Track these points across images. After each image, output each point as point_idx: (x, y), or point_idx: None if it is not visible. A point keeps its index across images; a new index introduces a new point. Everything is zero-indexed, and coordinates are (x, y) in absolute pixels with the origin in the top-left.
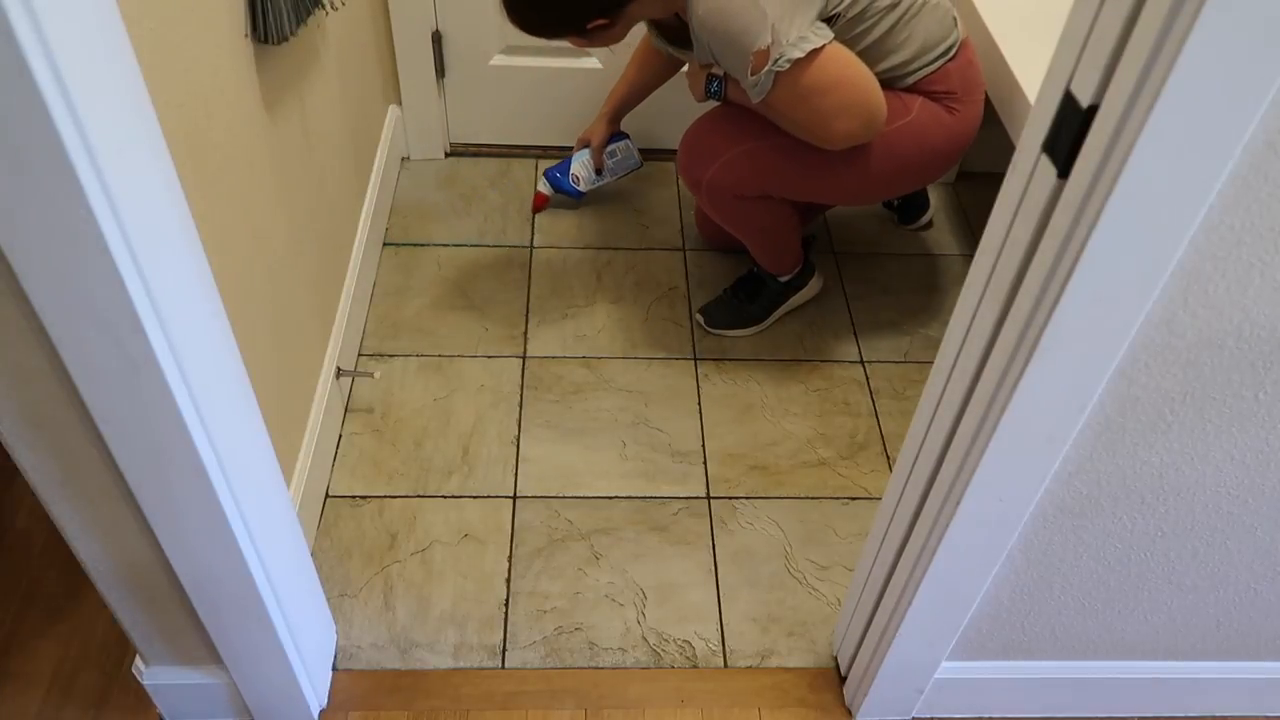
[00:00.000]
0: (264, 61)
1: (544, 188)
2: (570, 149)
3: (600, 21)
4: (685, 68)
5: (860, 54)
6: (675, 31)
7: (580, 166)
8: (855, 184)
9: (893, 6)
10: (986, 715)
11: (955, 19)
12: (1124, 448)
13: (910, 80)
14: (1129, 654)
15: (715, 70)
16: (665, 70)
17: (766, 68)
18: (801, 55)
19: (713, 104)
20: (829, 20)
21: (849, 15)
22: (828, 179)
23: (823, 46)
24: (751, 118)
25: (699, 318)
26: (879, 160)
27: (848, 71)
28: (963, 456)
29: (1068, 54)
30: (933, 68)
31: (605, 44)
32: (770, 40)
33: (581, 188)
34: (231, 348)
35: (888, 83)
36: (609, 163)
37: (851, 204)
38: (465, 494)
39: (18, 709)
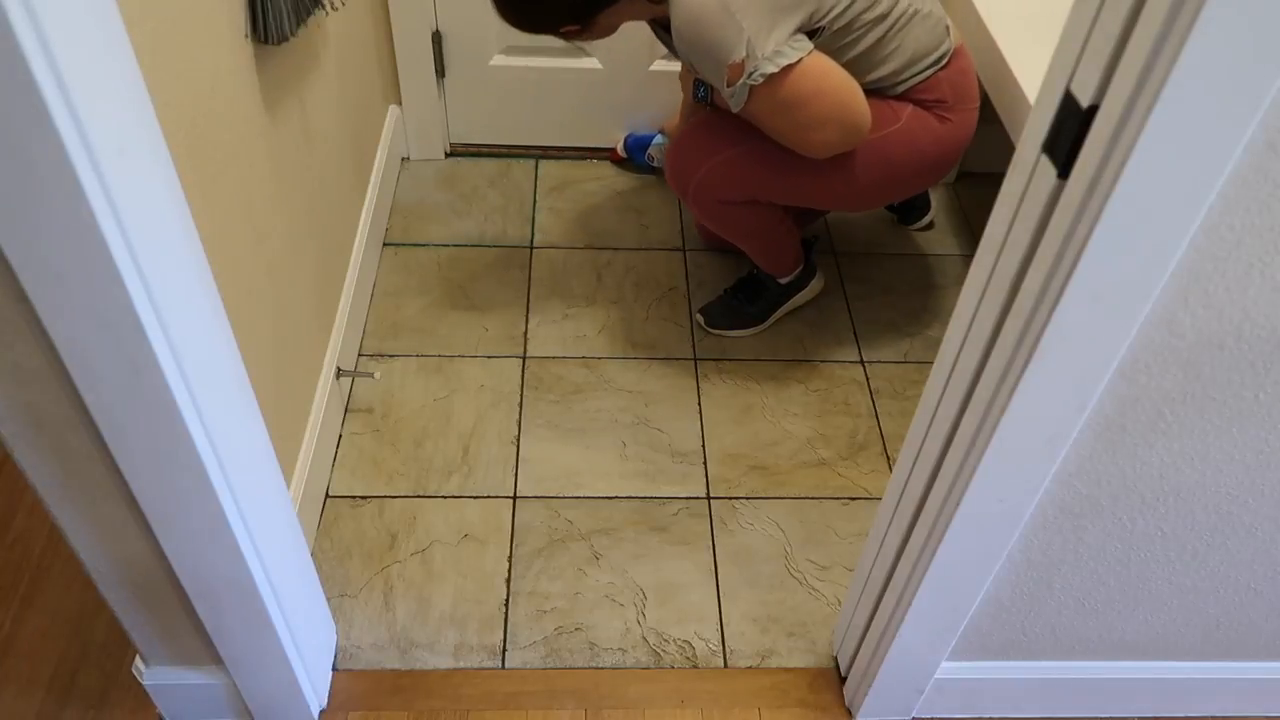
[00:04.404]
0: (264, 61)
1: (621, 149)
2: (571, 149)
3: (572, 27)
4: None
5: (847, 65)
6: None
7: (656, 149)
8: (844, 190)
9: (881, 18)
10: (986, 715)
11: (948, 28)
12: (1124, 448)
13: (900, 89)
14: (1129, 654)
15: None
16: None
17: (741, 80)
18: (776, 70)
19: (681, 115)
20: (814, 32)
21: (835, 27)
22: (815, 184)
23: (799, 60)
24: (736, 124)
25: (699, 318)
26: (867, 167)
27: (825, 84)
28: (963, 456)
29: (1068, 54)
30: (922, 77)
31: (587, 41)
32: (745, 54)
33: (655, 165)
34: (231, 348)
35: (877, 91)
36: None
37: (845, 210)
38: (465, 494)
39: (18, 709)
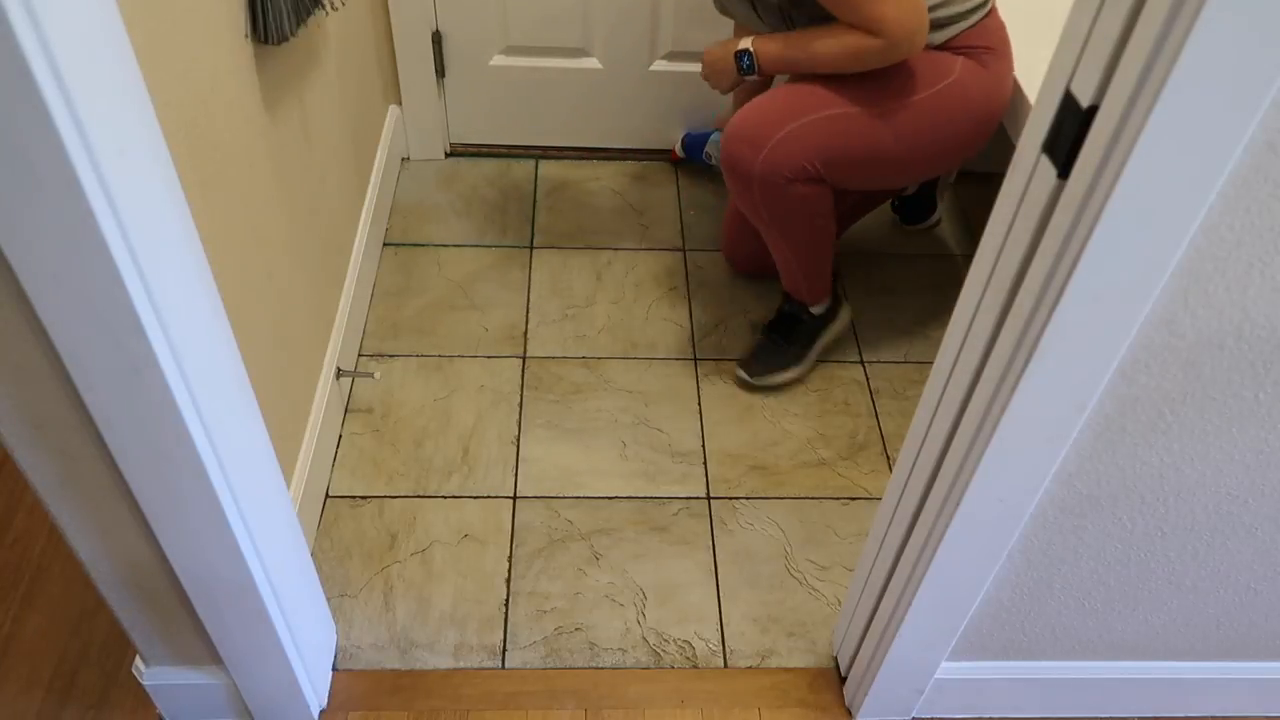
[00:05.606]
0: (264, 61)
1: (679, 149)
2: (571, 149)
3: None
4: (720, 49)
5: None
6: None
7: (714, 147)
8: (907, 152)
9: None
10: (986, 715)
11: None
12: (1124, 448)
13: (949, 31)
14: (1129, 654)
15: (744, 45)
16: None
17: None
18: None
19: (734, 105)
20: None
21: None
22: (880, 146)
23: None
24: (798, 97)
25: (739, 373)
26: (929, 127)
27: None
28: (963, 456)
29: (1068, 54)
30: (970, 21)
31: None
32: None
33: (712, 163)
34: (231, 348)
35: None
36: None
37: (901, 182)
38: (465, 494)
39: (18, 709)
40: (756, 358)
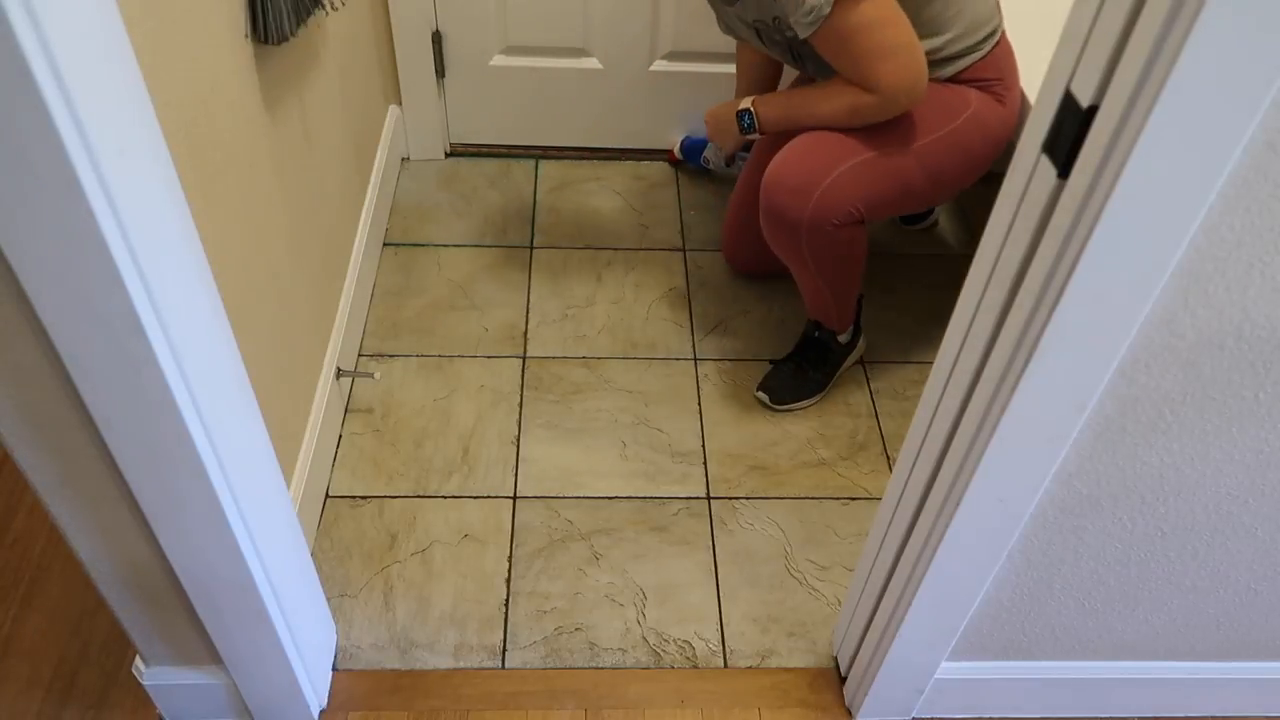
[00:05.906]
0: (264, 61)
1: (678, 151)
2: (571, 149)
3: None
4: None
5: (915, 26)
6: None
7: (713, 152)
8: (934, 185)
9: None
10: (986, 715)
11: (998, 3)
12: (1124, 448)
13: (960, 65)
14: (1129, 654)
15: (744, 106)
16: (767, 73)
17: None
18: None
19: (759, 164)
20: None
21: None
22: (912, 183)
23: None
24: (831, 144)
25: (761, 396)
26: (953, 158)
27: (896, 16)
28: (963, 456)
29: (1068, 54)
30: (981, 52)
31: None
32: None
33: (710, 167)
34: (231, 348)
35: (935, 76)
36: (739, 159)
37: (926, 207)
38: (465, 494)
39: (18, 709)
40: (782, 384)
